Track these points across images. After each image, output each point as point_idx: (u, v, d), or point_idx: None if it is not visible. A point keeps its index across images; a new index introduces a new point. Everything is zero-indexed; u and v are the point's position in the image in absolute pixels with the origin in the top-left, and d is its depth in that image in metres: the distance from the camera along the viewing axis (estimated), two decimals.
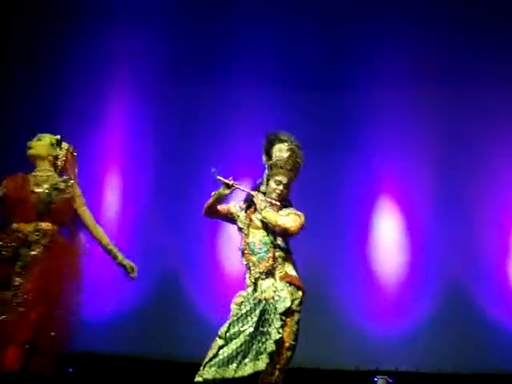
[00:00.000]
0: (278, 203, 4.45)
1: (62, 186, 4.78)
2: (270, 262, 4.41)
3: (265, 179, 4.53)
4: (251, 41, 7.31)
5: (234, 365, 4.21)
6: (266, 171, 4.52)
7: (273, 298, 4.34)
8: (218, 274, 6.99)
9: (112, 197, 7.33)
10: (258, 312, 4.31)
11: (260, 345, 4.25)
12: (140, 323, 6.94)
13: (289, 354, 4.34)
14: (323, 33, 7.25)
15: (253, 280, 4.42)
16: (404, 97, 7.13)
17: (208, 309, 6.84)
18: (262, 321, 4.29)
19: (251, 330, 4.27)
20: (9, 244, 4.60)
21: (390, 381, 6.46)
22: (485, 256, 6.87)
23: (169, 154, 7.33)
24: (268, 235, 4.45)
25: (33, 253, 4.60)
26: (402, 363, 6.66)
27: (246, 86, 7.26)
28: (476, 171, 6.99)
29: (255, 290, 4.40)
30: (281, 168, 4.46)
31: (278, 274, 4.42)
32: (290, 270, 4.47)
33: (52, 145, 4.84)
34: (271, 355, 4.22)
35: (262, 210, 4.40)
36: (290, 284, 4.41)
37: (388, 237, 7.08)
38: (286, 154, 4.47)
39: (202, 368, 4.28)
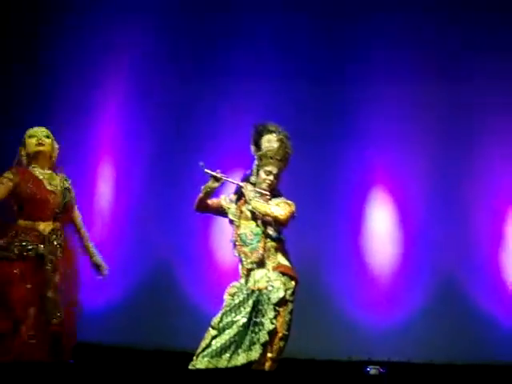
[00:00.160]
0: (268, 193, 4.46)
1: (68, 184, 4.83)
2: (261, 251, 4.42)
3: (254, 170, 4.54)
4: (248, 36, 7.29)
5: (227, 355, 4.25)
6: (256, 162, 4.53)
7: (266, 288, 4.36)
8: (211, 264, 7.00)
9: (105, 188, 7.32)
10: (251, 302, 4.33)
11: (253, 335, 4.27)
12: (133, 314, 6.95)
13: (281, 343, 4.36)
14: (322, 26, 7.23)
15: (245, 271, 4.45)
16: (399, 89, 7.12)
17: (201, 299, 6.84)
18: (256, 311, 4.32)
19: (244, 320, 4.30)
20: (32, 244, 4.62)
21: (383, 371, 6.47)
22: (478, 248, 6.89)
23: (163, 147, 7.32)
24: (259, 226, 4.46)
25: (57, 253, 4.68)
26: (395, 354, 6.66)
27: (241, 80, 7.25)
28: (470, 164, 6.99)
29: (248, 280, 4.42)
30: (271, 158, 4.47)
31: (270, 264, 4.44)
32: (282, 260, 4.48)
33: (53, 141, 4.86)
34: (264, 345, 4.25)
35: (250, 200, 4.42)
36: (284, 274, 4.43)
37: (381, 228, 7.09)
38: (275, 144, 4.49)
39: (194, 358, 4.32)
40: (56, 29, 7.43)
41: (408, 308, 6.84)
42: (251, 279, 4.41)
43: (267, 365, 4.30)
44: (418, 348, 6.65)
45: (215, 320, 4.36)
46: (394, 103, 7.12)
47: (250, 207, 4.46)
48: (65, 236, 4.78)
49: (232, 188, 4.64)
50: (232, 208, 4.56)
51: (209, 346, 4.29)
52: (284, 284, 4.39)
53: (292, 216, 4.44)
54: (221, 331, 4.30)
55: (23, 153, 4.78)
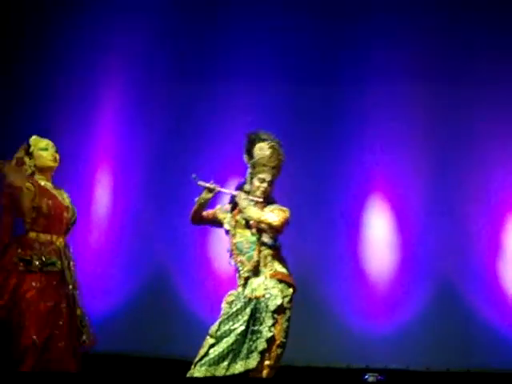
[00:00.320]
0: (261, 200, 4.47)
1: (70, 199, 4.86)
2: (256, 258, 4.43)
3: (248, 178, 4.56)
4: (245, 40, 7.29)
5: (225, 363, 4.25)
6: (249, 170, 4.54)
7: (264, 296, 4.36)
8: (209, 272, 6.99)
9: (103, 195, 7.31)
10: (248, 310, 4.33)
11: (251, 343, 4.27)
12: (130, 322, 6.94)
13: (279, 351, 4.36)
14: (316, 30, 7.23)
15: (243, 279, 4.45)
16: (396, 95, 7.11)
17: (199, 307, 6.84)
18: (253, 319, 4.32)
19: (242, 328, 4.30)
20: (52, 258, 4.63)
21: (381, 378, 6.48)
22: (476, 255, 6.87)
23: (161, 152, 7.31)
24: (254, 234, 4.47)
25: (72, 267, 4.72)
26: (393, 361, 6.67)
27: (239, 85, 7.25)
28: (468, 169, 6.98)
29: (246, 288, 4.42)
30: (263, 166, 4.48)
31: (268, 272, 4.44)
32: (279, 267, 4.49)
33: None
34: (262, 353, 4.25)
35: (244, 208, 4.43)
36: (281, 281, 4.43)
37: (379, 235, 7.08)
38: (267, 152, 4.50)
39: (192, 367, 4.32)
40: (52, 33, 7.43)
41: (406, 315, 6.83)
42: (249, 287, 4.42)
43: (265, 372, 4.29)
44: (416, 355, 6.65)
45: (213, 328, 4.37)
46: (393, 109, 7.11)
47: (244, 216, 4.47)
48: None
49: (227, 198, 4.64)
50: (227, 218, 4.57)
51: (207, 354, 4.29)
52: (281, 291, 4.40)
53: (287, 222, 4.45)
54: (219, 340, 4.30)
55: (30, 163, 4.74)
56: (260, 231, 4.47)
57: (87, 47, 7.42)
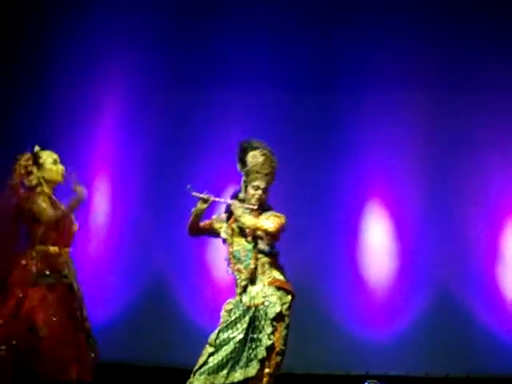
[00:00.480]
0: (256, 207, 4.48)
1: None
2: (252, 266, 4.43)
3: (242, 187, 4.57)
4: (243, 49, 7.30)
5: (225, 372, 4.24)
6: (243, 178, 4.55)
7: (262, 303, 4.36)
8: (208, 279, 6.98)
9: (101, 202, 7.31)
10: (247, 319, 4.33)
11: (250, 351, 4.27)
12: (129, 330, 6.93)
13: (278, 358, 4.36)
14: (313, 39, 7.25)
15: (241, 288, 4.45)
16: (393, 101, 7.11)
17: (198, 314, 6.84)
18: (252, 327, 4.32)
19: (241, 336, 4.30)
20: (64, 270, 4.64)
21: None
22: (474, 260, 6.87)
23: (159, 160, 7.31)
24: (250, 242, 4.47)
25: (77, 280, 4.75)
26: (393, 367, 6.67)
27: (237, 94, 7.26)
28: (466, 175, 6.98)
29: (244, 297, 4.42)
30: (257, 173, 4.49)
31: (266, 280, 4.44)
32: (277, 274, 4.49)
33: None
34: (262, 361, 4.25)
35: (239, 216, 4.43)
36: (279, 288, 4.43)
37: (377, 242, 7.08)
38: (260, 159, 4.51)
39: (192, 375, 4.31)
40: (51, 41, 7.44)
41: (405, 321, 6.83)
42: (247, 296, 4.41)
43: (264, 380, 4.29)
44: (416, 361, 6.65)
45: (212, 337, 4.37)
46: (391, 115, 7.11)
47: (240, 224, 4.47)
48: None
49: (223, 207, 4.65)
50: (224, 227, 4.58)
51: (206, 363, 4.29)
52: (280, 299, 4.40)
53: (282, 228, 4.45)
54: (218, 348, 4.30)
55: (38, 174, 4.74)
56: (256, 239, 4.47)
57: (86, 55, 7.43)
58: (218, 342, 4.32)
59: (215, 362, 4.26)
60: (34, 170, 4.72)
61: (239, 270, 4.47)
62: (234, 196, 4.59)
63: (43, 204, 4.62)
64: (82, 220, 4.92)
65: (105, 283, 7.11)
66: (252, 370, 4.22)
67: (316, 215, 7.04)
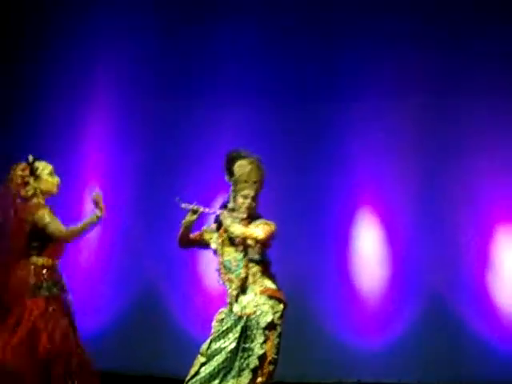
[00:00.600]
0: (245, 216, 4.48)
1: None
2: (243, 275, 4.43)
3: (231, 196, 4.57)
4: (231, 58, 7.33)
5: (217, 382, 4.24)
6: (232, 188, 4.55)
7: (254, 313, 4.35)
8: (199, 288, 6.98)
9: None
10: (239, 328, 4.32)
11: (242, 361, 4.26)
12: (120, 340, 6.93)
13: (271, 368, 4.35)
14: (303, 47, 7.27)
15: (232, 297, 4.44)
16: (383, 108, 7.14)
17: (189, 324, 6.84)
18: (244, 337, 4.31)
19: (233, 346, 4.30)
20: (61, 282, 4.64)
21: None
22: (465, 267, 6.88)
23: (149, 170, 7.33)
24: (241, 251, 4.48)
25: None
26: (384, 375, 6.67)
27: (225, 103, 7.27)
28: (456, 183, 6.99)
29: (236, 306, 4.42)
30: (245, 182, 4.49)
31: (257, 289, 4.43)
32: (269, 283, 4.48)
33: None
34: (254, 371, 4.25)
35: (228, 226, 4.43)
36: (271, 297, 4.42)
37: (369, 249, 7.09)
38: (248, 168, 4.51)
39: None
40: (40, 51, 7.46)
41: (397, 329, 6.84)
42: (239, 305, 4.41)
43: None
44: (408, 369, 6.65)
45: (204, 347, 4.36)
46: (380, 122, 7.13)
47: (229, 233, 4.47)
48: None
49: (212, 218, 4.65)
50: (214, 237, 4.58)
51: (198, 373, 4.28)
52: (272, 307, 4.39)
53: (272, 235, 4.45)
54: (209, 358, 4.30)
55: (35, 185, 4.71)
56: (246, 248, 4.47)
57: (75, 66, 7.46)
58: (209, 351, 4.32)
59: (207, 372, 4.26)
60: (31, 180, 4.69)
61: (230, 280, 4.46)
62: (223, 206, 4.59)
63: (56, 221, 4.62)
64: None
65: (96, 292, 7.09)
66: (244, 380, 4.21)
67: (306, 223, 7.05)
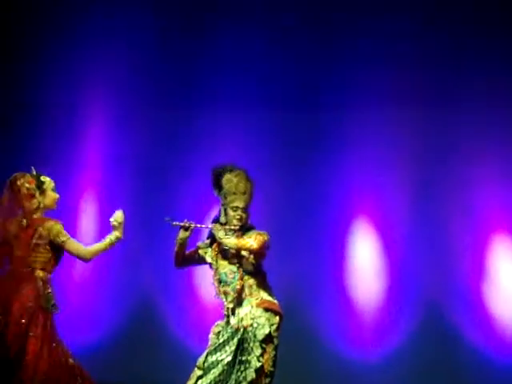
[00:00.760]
0: (238, 227, 4.48)
1: None
2: (238, 287, 4.43)
3: (222, 210, 4.58)
4: (226, 63, 7.34)
5: None
6: (222, 202, 4.57)
7: (251, 325, 4.35)
8: (195, 300, 6.97)
9: (87, 222, 7.28)
10: (235, 341, 4.33)
11: (239, 374, 4.27)
12: (117, 351, 6.91)
13: (267, 380, 4.36)
14: (299, 56, 7.29)
15: (229, 310, 4.45)
16: (379, 117, 7.12)
17: (186, 337, 6.82)
18: (241, 350, 4.32)
19: (229, 359, 4.30)
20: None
21: None
22: (462, 278, 6.87)
23: (147, 177, 7.33)
24: (236, 263, 4.48)
25: None
26: None
27: (221, 109, 7.28)
28: (452, 192, 7.00)
29: (232, 319, 4.41)
30: (234, 194, 4.52)
31: (254, 301, 4.44)
32: (265, 295, 4.49)
33: None
34: None
35: (221, 239, 4.45)
36: (267, 310, 4.43)
37: (365, 260, 7.08)
38: (235, 180, 4.54)
39: None
40: (37, 59, 7.47)
41: (393, 341, 6.82)
42: (235, 318, 4.41)
43: None
44: (405, 381, 6.62)
45: (200, 360, 4.36)
46: (377, 132, 7.13)
47: (223, 246, 4.48)
48: None
49: (206, 234, 4.67)
50: (209, 252, 4.60)
51: None
52: (268, 320, 4.39)
53: (265, 245, 4.46)
54: (206, 371, 4.30)
55: (40, 199, 4.71)
56: (241, 260, 4.47)
57: (72, 74, 7.46)
58: (206, 364, 4.32)
59: None
60: (37, 194, 4.71)
61: (226, 293, 4.47)
62: (215, 221, 4.60)
63: (72, 239, 4.65)
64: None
65: (92, 305, 7.08)
66: None
67: (303, 234, 7.04)
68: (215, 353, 4.34)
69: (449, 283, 6.87)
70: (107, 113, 7.53)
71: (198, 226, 4.55)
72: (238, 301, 4.43)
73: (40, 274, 4.58)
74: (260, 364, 4.27)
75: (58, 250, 4.63)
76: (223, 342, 4.36)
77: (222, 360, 4.30)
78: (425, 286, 6.87)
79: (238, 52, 7.30)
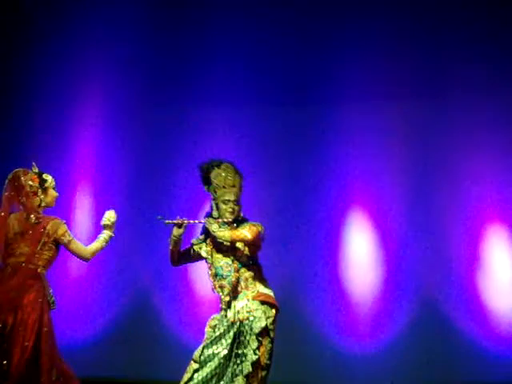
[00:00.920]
0: (231, 219, 4.49)
1: None
2: (233, 280, 4.43)
3: (214, 205, 4.58)
4: (220, 60, 7.34)
5: None
6: (212, 197, 4.58)
7: (247, 318, 4.36)
8: (191, 294, 6.98)
9: (82, 217, 7.27)
10: (232, 334, 4.33)
11: (235, 367, 4.27)
12: (112, 347, 6.91)
13: (263, 373, 4.36)
14: (289, 54, 7.29)
15: (225, 303, 4.45)
16: (375, 108, 7.15)
17: (181, 331, 6.82)
18: (237, 343, 4.32)
19: (225, 352, 4.30)
20: None
21: None
22: (458, 271, 6.90)
23: (141, 173, 7.32)
24: (231, 256, 4.48)
25: None
26: (377, 379, 6.66)
27: (214, 104, 7.28)
28: (447, 184, 7.03)
29: (229, 312, 4.42)
30: (224, 188, 4.52)
31: (250, 294, 4.44)
32: (262, 288, 4.49)
33: None
34: (247, 377, 4.25)
35: (214, 232, 4.44)
36: (263, 303, 4.43)
37: (360, 252, 7.10)
38: (223, 174, 4.55)
39: None
40: (25, 51, 7.44)
41: (390, 332, 6.84)
42: (232, 311, 4.41)
43: None
44: (401, 372, 6.64)
45: (196, 353, 4.36)
46: (371, 124, 7.15)
47: (217, 239, 4.48)
48: None
49: (200, 229, 4.67)
50: (203, 247, 4.59)
51: (191, 379, 4.29)
52: (265, 313, 4.40)
53: (260, 236, 4.47)
54: (202, 364, 4.30)
55: (42, 197, 4.72)
56: (236, 252, 4.48)
57: (64, 69, 7.45)
58: (202, 358, 4.32)
59: (200, 378, 4.27)
60: (40, 191, 4.72)
61: (222, 286, 4.46)
62: (208, 216, 4.59)
63: (75, 240, 4.70)
64: None
65: (88, 301, 7.07)
66: None
67: (298, 227, 7.05)
68: (211, 346, 4.34)
69: (444, 275, 6.90)
70: (100, 108, 7.52)
71: (191, 221, 4.55)
72: (234, 294, 4.44)
73: (43, 271, 4.60)
74: (256, 357, 4.27)
75: (58, 249, 4.65)
76: (219, 335, 4.36)
77: (218, 353, 4.30)
78: (420, 279, 6.89)
79: (228, 48, 7.30)
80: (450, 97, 7.10)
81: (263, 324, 4.34)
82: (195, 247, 4.63)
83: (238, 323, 4.35)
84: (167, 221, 4.50)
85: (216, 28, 7.31)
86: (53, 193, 4.77)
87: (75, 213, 7.26)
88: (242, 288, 4.45)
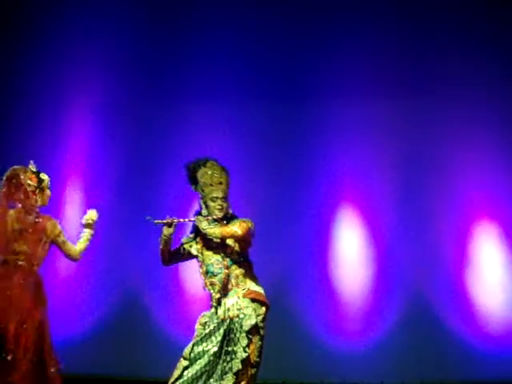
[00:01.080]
0: (220, 216, 4.49)
1: None
2: (223, 276, 4.43)
3: (202, 204, 4.57)
4: (209, 64, 7.34)
5: None
6: (200, 196, 4.57)
7: (237, 316, 4.35)
8: (181, 293, 6.97)
9: (72, 213, 7.25)
10: (222, 331, 4.33)
11: (225, 364, 4.27)
12: (103, 344, 6.90)
13: (253, 371, 4.36)
14: (279, 52, 7.30)
15: (216, 301, 4.44)
16: (365, 106, 7.18)
17: (171, 328, 6.82)
18: (227, 340, 4.31)
19: (215, 349, 4.30)
20: None
21: None
22: (447, 268, 6.94)
23: (131, 170, 7.31)
24: (221, 253, 4.48)
25: None
26: (367, 376, 6.68)
27: (204, 100, 7.28)
28: (437, 180, 7.06)
29: (219, 309, 4.41)
30: (210, 185, 4.52)
31: (240, 292, 4.44)
32: (252, 285, 4.49)
33: None
34: (237, 374, 4.25)
35: (204, 229, 4.44)
36: (254, 300, 4.43)
37: (350, 250, 7.12)
38: (209, 171, 4.55)
39: None
40: (15, 46, 7.43)
41: (380, 330, 6.87)
42: (222, 308, 4.41)
43: None
44: (391, 369, 6.67)
45: (186, 350, 4.35)
46: (361, 120, 7.18)
47: (207, 236, 4.47)
48: None
49: (189, 229, 4.67)
50: (194, 245, 4.58)
51: (180, 376, 4.28)
52: (255, 310, 4.39)
53: (250, 232, 4.47)
54: (192, 361, 4.30)
55: (38, 197, 4.75)
56: (226, 249, 4.47)
57: (58, 64, 7.46)
58: (192, 355, 4.31)
59: (190, 375, 4.26)
60: (37, 191, 4.75)
61: (213, 284, 4.46)
62: (197, 215, 4.58)
63: (68, 241, 4.80)
64: None
65: (78, 299, 7.06)
66: (227, 383, 4.22)
67: (288, 224, 7.06)
68: (201, 343, 4.33)
69: (434, 272, 6.94)
70: (91, 104, 7.51)
71: (181, 220, 4.54)
72: (225, 291, 4.44)
73: (37, 269, 4.61)
74: (246, 354, 4.27)
75: (49, 247, 4.69)
76: (209, 332, 4.35)
77: (208, 350, 4.30)
78: (410, 276, 6.92)
79: (219, 47, 7.31)
80: (440, 95, 7.13)
81: (253, 322, 4.34)
82: (185, 246, 4.62)
83: (228, 320, 4.35)
84: (157, 221, 4.48)
85: (216, 27, 7.32)
86: (48, 192, 4.82)
87: (65, 208, 7.24)
88: (232, 285, 4.45)
